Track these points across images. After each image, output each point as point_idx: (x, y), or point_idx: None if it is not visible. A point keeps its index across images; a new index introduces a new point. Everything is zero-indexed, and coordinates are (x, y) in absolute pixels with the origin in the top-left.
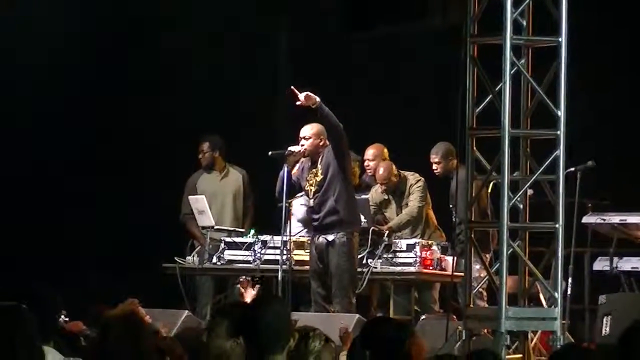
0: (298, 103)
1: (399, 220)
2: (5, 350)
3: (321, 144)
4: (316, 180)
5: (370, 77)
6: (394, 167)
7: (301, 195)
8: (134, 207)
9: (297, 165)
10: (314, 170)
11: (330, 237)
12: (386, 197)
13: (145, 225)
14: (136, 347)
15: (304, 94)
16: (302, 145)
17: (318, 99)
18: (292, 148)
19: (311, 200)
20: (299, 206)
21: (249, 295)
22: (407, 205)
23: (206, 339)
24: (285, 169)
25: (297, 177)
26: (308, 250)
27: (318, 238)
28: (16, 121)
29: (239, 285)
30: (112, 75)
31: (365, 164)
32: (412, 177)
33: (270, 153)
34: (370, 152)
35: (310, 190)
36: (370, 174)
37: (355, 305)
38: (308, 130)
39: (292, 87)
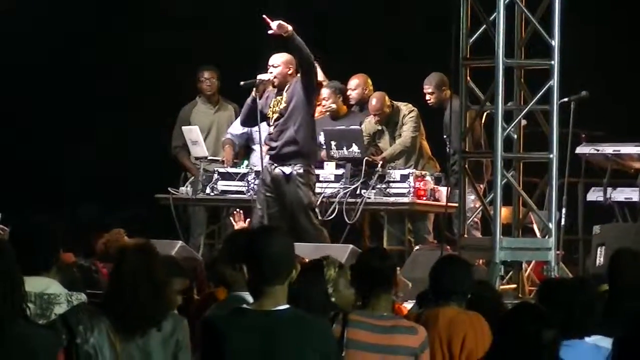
0: (270, 32)
1: (392, 150)
2: None
3: (290, 72)
4: (279, 108)
5: (365, 5)
6: (386, 97)
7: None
8: (131, 141)
9: (265, 94)
10: (278, 97)
11: (287, 170)
12: (379, 128)
13: (141, 159)
14: (150, 277)
15: (277, 22)
16: (271, 72)
17: (290, 27)
18: (261, 76)
19: (271, 128)
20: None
21: (240, 227)
22: (400, 135)
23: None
24: (252, 95)
25: (262, 105)
26: None
27: (275, 168)
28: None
29: (230, 218)
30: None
31: (348, 93)
32: (405, 107)
33: (242, 83)
34: (353, 82)
35: (272, 117)
36: (352, 103)
37: (326, 234)
38: (277, 59)
39: (264, 15)
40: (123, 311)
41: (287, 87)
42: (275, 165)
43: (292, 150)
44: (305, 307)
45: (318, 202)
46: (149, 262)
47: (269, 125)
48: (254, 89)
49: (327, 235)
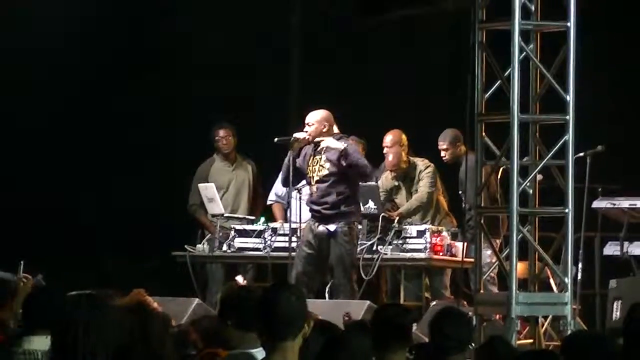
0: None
1: (408, 206)
2: None
3: (325, 130)
4: (319, 172)
5: (381, 62)
6: (403, 153)
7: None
8: (148, 195)
9: (302, 151)
10: (317, 157)
11: (332, 227)
12: (396, 184)
13: (158, 212)
14: (145, 335)
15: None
16: (306, 131)
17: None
18: (297, 135)
19: (313, 187)
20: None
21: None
22: (417, 191)
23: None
24: (290, 155)
25: (300, 162)
26: None
27: (318, 226)
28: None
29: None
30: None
31: (384, 150)
32: (421, 163)
33: (276, 140)
34: (388, 139)
35: (312, 178)
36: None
37: (358, 293)
38: (312, 117)
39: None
40: None
41: (325, 147)
42: (319, 223)
43: (335, 212)
44: None
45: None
46: (142, 322)
47: (309, 184)
48: (290, 147)
49: (358, 293)
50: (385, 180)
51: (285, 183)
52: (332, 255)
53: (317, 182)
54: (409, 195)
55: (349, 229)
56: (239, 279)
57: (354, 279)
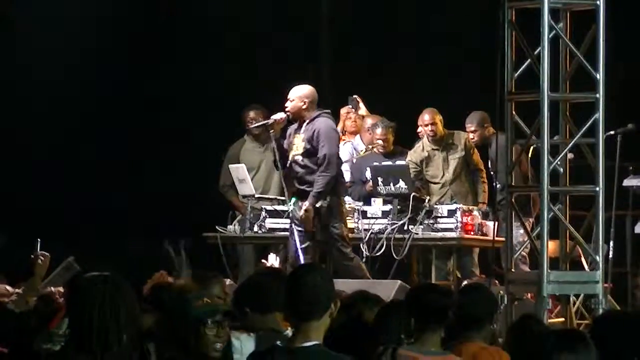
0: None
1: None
2: None
3: (304, 107)
4: (299, 149)
5: (411, 46)
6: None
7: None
8: (179, 175)
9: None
10: (296, 135)
11: (317, 204)
12: (426, 154)
13: (189, 193)
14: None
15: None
16: (286, 107)
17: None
18: (274, 116)
19: (296, 167)
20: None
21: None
22: (454, 159)
23: None
24: (273, 137)
25: (287, 144)
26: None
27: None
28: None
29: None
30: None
31: (428, 128)
32: (464, 135)
33: (252, 127)
34: (426, 117)
35: (291, 156)
36: (431, 136)
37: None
38: (294, 92)
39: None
40: None
41: (305, 122)
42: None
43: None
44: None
45: (346, 233)
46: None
47: (294, 162)
48: (271, 130)
49: (360, 264)
50: (414, 153)
51: (276, 166)
52: (322, 231)
53: (295, 161)
54: (445, 162)
55: (334, 204)
56: (272, 257)
57: (346, 252)
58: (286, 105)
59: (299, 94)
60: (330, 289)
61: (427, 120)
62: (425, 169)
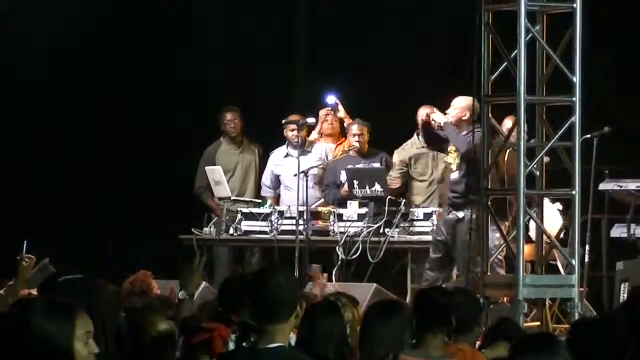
0: None
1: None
2: None
3: (465, 117)
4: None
5: (385, 46)
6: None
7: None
8: (151, 176)
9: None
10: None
11: (461, 215)
12: (416, 151)
13: (162, 194)
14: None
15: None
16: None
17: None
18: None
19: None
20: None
21: (320, 285)
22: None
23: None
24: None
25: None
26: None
27: (449, 213)
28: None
29: (309, 273)
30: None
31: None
32: None
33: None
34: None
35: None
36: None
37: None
38: (457, 102)
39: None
40: None
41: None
42: (451, 210)
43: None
44: (323, 348)
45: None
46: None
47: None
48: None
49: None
50: (403, 150)
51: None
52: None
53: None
54: (434, 161)
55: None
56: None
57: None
58: (447, 112)
59: (463, 104)
60: (295, 292)
61: (424, 116)
62: (413, 166)
